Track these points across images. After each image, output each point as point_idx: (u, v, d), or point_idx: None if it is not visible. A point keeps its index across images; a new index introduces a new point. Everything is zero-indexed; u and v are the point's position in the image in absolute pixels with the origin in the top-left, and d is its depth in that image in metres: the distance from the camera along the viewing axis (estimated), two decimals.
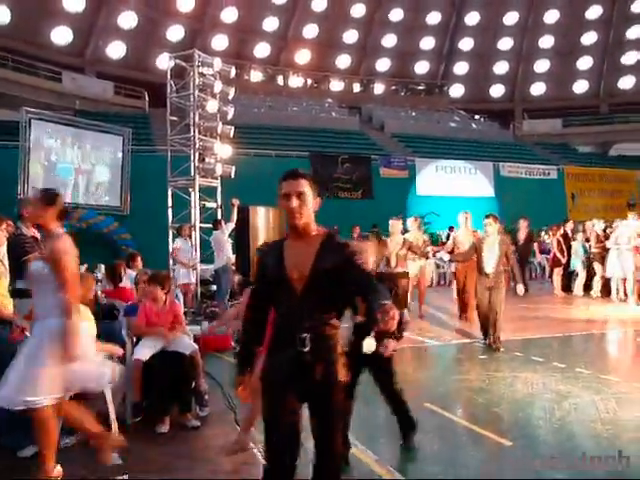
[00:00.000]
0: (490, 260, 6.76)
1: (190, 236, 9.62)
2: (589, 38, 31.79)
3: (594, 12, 31.22)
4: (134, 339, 4.76)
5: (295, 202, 2.38)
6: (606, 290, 11.12)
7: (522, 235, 12.84)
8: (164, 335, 4.57)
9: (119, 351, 4.16)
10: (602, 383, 5.27)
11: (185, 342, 4.70)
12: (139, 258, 7.22)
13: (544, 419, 4.38)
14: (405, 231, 9.23)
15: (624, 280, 10.51)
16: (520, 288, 7.04)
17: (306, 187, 2.40)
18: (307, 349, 2.29)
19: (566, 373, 5.67)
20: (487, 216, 6.97)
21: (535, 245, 14.61)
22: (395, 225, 8.49)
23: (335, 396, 2.35)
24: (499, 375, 5.68)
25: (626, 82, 31.91)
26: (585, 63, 32.23)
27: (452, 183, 21.13)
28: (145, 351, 4.49)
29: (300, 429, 2.33)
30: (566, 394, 4.97)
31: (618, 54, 31.62)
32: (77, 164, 15.50)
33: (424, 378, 5.96)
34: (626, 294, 10.46)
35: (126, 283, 6.34)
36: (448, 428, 4.28)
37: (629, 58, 31.56)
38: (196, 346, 4.71)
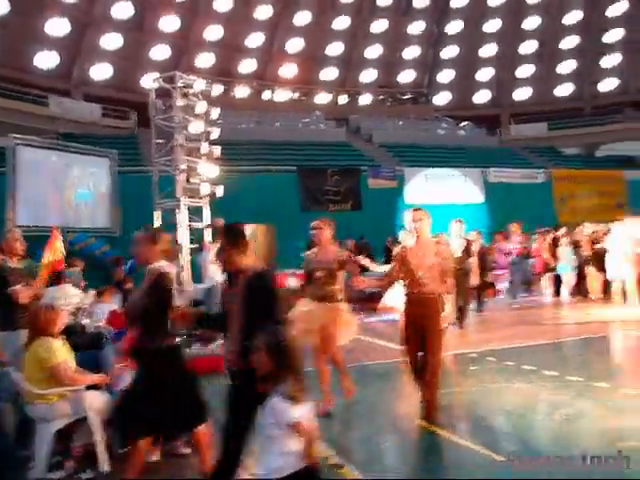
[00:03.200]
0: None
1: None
2: (569, 42, 32.18)
3: (573, 17, 31.64)
4: None
5: None
6: (606, 292, 10.94)
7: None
8: None
9: (105, 380, 4.15)
10: (592, 391, 5.28)
11: None
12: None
13: (535, 432, 4.38)
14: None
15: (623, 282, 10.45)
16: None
17: None
18: None
19: (557, 382, 5.68)
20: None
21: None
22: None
23: None
24: (490, 387, 5.69)
25: (607, 84, 32.25)
26: (567, 67, 32.60)
27: (441, 191, 21.09)
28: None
29: None
30: (557, 404, 4.98)
31: (598, 57, 32.00)
32: (66, 188, 15.46)
33: (415, 392, 5.94)
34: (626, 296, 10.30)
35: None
36: (439, 444, 4.28)
37: (609, 61, 31.92)
38: None
